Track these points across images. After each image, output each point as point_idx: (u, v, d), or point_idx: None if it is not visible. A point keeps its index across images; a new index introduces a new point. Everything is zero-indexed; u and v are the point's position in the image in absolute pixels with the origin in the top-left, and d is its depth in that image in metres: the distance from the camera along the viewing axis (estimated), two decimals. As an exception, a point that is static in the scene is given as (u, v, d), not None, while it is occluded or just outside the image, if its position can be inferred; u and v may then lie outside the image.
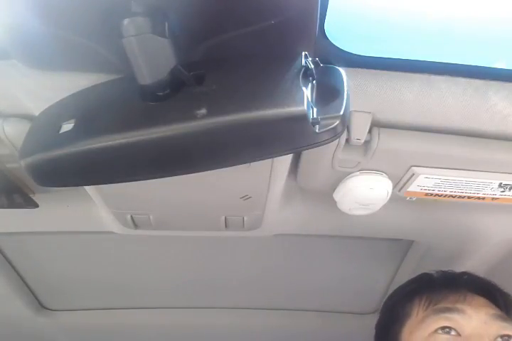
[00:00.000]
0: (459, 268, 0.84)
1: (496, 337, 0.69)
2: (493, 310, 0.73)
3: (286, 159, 0.71)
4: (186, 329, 1.38)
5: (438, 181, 0.75)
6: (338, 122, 0.47)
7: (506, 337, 0.70)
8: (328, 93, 0.49)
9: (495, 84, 0.63)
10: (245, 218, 0.87)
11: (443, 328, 0.70)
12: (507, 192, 0.78)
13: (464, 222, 0.92)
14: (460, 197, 0.79)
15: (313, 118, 0.45)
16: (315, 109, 0.47)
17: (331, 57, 0.57)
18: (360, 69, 0.61)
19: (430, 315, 0.73)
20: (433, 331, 0.71)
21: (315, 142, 0.47)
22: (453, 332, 0.70)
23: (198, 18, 0.47)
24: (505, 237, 0.96)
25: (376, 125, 0.68)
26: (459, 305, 0.72)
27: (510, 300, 0.78)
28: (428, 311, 0.74)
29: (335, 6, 0.52)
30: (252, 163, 0.64)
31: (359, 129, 0.67)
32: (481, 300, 0.75)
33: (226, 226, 0.89)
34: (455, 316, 0.71)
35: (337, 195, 0.80)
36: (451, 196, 0.79)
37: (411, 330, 0.75)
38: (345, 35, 0.57)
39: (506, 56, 0.61)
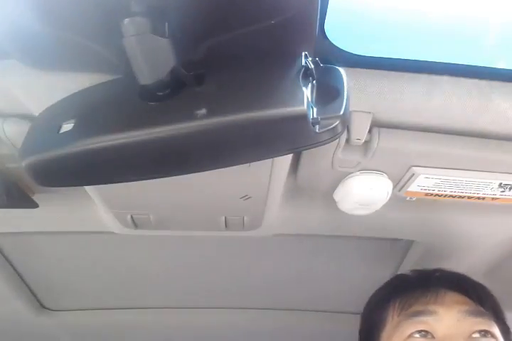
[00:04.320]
0: (458, 268, 0.84)
1: (471, 334, 0.69)
2: (466, 306, 0.73)
3: (286, 159, 0.71)
4: (186, 329, 1.38)
5: (438, 181, 0.75)
6: (338, 122, 0.47)
7: (483, 332, 0.70)
8: (328, 93, 0.49)
9: (498, 85, 0.63)
10: (245, 218, 0.87)
11: (418, 332, 0.71)
12: (507, 192, 0.78)
13: (464, 222, 0.92)
14: (460, 197, 0.79)
15: (313, 118, 0.45)
16: (315, 109, 0.47)
17: (331, 57, 0.57)
18: (360, 69, 0.61)
19: (404, 319, 0.74)
20: (408, 335, 0.71)
21: (315, 142, 0.47)
22: (428, 335, 0.71)
23: (198, 18, 0.47)
24: (505, 237, 0.96)
25: (376, 125, 0.68)
26: (430, 307, 0.73)
27: (484, 292, 0.77)
28: (401, 316, 0.74)
29: (335, 6, 0.52)
30: (252, 163, 0.64)
31: (359, 129, 0.67)
32: (455, 296, 0.75)
33: (226, 226, 0.89)
34: (427, 318, 0.71)
35: (337, 195, 0.80)
36: (451, 196, 0.79)
37: (388, 336, 0.76)
38: (345, 35, 0.57)
39: (508, 55, 0.61)
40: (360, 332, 0.86)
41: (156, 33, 0.43)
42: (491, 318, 0.72)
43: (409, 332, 0.72)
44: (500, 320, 0.75)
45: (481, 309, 0.73)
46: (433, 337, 0.70)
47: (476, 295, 0.75)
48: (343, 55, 0.58)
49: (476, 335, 0.70)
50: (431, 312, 0.72)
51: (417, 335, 0.71)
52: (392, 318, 0.76)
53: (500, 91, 0.63)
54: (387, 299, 0.79)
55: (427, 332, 0.71)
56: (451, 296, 0.75)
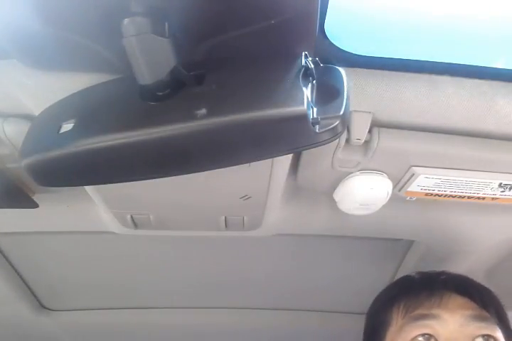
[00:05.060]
0: (458, 268, 0.84)
1: (474, 338, 0.70)
2: (469, 311, 0.73)
3: (286, 159, 0.71)
4: (186, 329, 1.38)
5: (438, 181, 0.75)
6: (338, 122, 0.47)
7: (486, 337, 0.71)
8: (328, 93, 0.49)
9: (499, 85, 0.63)
10: (245, 218, 0.87)
11: (422, 335, 0.72)
12: (507, 192, 0.78)
13: (464, 222, 0.92)
14: (460, 197, 0.79)
15: (313, 118, 0.45)
16: (315, 109, 0.47)
17: (331, 57, 0.57)
18: (360, 69, 0.61)
19: (407, 322, 0.74)
20: (412, 338, 0.72)
21: (315, 142, 0.47)
22: (432, 339, 0.71)
23: (198, 18, 0.47)
24: (505, 237, 0.96)
25: (376, 125, 0.68)
26: (434, 311, 0.73)
27: (488, 295, 0.78)
28: (405, 319, 0.75)
29: (335, 6, 0.52)
30: (252, 163, 0.64)
31: (359, 129, 0.67)
32: (459, 300, 0.76)
33: (226, 226, 0.89)
34: (431, 322, 0.72)
35: (337, 195, 0.80)
36: (451, 196, 0.79)
37: (392, 337, 0.77)
38: (345, 34, 0.57)
39: (508, 55, 0.61)
40: (365, 332, 0.86)
41: (156, 33, 0.44)
42: (494, 323, 0.73)
43: (413, 335, 0.73)
44: (503, 323, 0.76)
45: (485, 313, 0.73)
46: (436, 340, 0.71)
47: (481, 299, 0.75)
48: (343, 55, 0.58)
49: (479, 340, 0.70)
50: (435, 316, 0.73)
51: (421, 338, 0.72)
52: (396, 320, 0.77)
53: (502, 91, 0.63)
54: (392, 300, 0.80)
55: (430, 335, 0.72)
56: (455, 300, 0.75)
